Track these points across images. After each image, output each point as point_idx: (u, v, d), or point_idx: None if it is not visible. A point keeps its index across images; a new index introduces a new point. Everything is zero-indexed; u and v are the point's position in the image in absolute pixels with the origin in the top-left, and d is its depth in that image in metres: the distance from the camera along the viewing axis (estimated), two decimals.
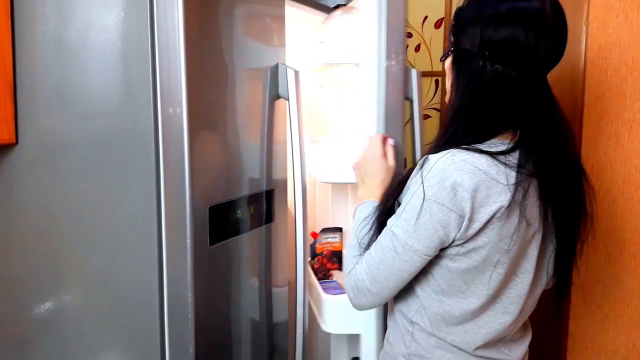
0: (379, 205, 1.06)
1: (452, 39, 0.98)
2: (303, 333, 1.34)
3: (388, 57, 1.33)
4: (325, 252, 1.72)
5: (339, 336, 1.84)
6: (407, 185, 0.97)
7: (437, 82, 2.35)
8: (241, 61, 1.21)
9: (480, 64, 0.91)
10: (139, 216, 1.07)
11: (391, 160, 1.20)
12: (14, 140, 1.20)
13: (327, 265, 1.78)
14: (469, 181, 0.86)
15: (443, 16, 2.31)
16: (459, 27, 0.97)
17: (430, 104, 2.36)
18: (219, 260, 1.16)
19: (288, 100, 1.30)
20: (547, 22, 0.89)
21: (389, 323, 1.11)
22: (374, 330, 1.40)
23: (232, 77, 1.17)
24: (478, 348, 1.00)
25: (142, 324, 1.10)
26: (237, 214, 1.20)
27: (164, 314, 1.08)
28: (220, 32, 1.13)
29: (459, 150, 0.90)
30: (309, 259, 1.80)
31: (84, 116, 1.12)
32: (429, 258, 0.93)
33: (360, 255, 1.01)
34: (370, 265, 0.96)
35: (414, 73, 1.41)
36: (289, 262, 1.41)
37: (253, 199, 1.25)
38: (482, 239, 0.90)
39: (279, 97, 1.32)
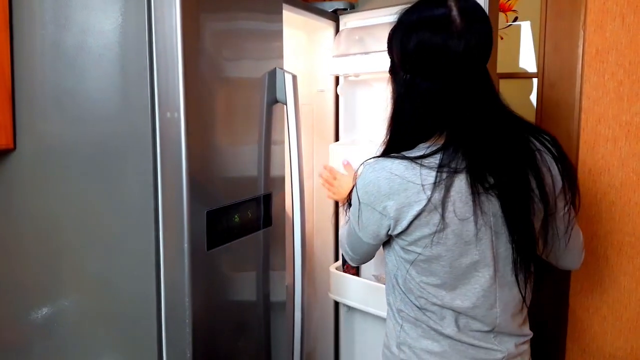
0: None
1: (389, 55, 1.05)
2: (301, 339, 1.34)
3: None
4: None
5: (349, 335, 1.85)
6: None
7: None
8: (239, 65, 1.21)
9: (402, 75, 0.99)
10: (136, 221, 1.07)
11: (350, 172, 1.52)
12: (12, 146, 1.20)
13: (349, 269, 1.84)
14: (386, 186, 0.96)
15: None
16: (389, 43, 1.03)
17: None
18: (217, 265, 1.16)
19: (286, 104, 1.30)
20: (453, 24, 0.93)
21: (386, 317, 1.17)
22: None
23: (229, 82, 1.17)
24: (465, 335, 1.03)
25: (139, 329, 1.10)
26: (235, 218, 1.20)
27: (162, 319, 1.08)
28: (218, 36, 1.13)
29: (383, 158, 0.99)
30: (340, 263, 1.88)
31: (82, 121, 1.12)
32: (373, 244, 1.08)
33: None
34: (347, 234, 1.15)
35: None
36: (287, 266, 1.41)
37: (251, 203, 1.25)
38: (415, 234, 0.98)
39: (276, 101, 1.32)
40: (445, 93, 0.96)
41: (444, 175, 0.94)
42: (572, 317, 1.61)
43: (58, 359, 1.23)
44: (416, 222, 0.96)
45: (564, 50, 1.65)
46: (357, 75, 1.80)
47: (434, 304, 1.02)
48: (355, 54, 1.69)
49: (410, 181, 0.94)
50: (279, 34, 1.35)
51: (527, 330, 1.11)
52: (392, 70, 1.04)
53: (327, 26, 1.80)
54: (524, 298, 1.04)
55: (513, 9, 1.95)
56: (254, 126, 1.26)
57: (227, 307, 1.22)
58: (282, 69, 1.32)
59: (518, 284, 1.02)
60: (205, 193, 1.10)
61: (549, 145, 1.04)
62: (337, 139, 1.89)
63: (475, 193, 0.95)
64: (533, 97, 1.91)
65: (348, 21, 1.79)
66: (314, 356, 2.02)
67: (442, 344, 1.04)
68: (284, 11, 1.37)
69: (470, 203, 0.95)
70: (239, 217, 1.20)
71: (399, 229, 0.98)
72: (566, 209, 1.06)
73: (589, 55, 1.53)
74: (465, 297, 1.01)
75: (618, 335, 1.54)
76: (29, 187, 1.21)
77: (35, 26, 1.16)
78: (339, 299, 1.85)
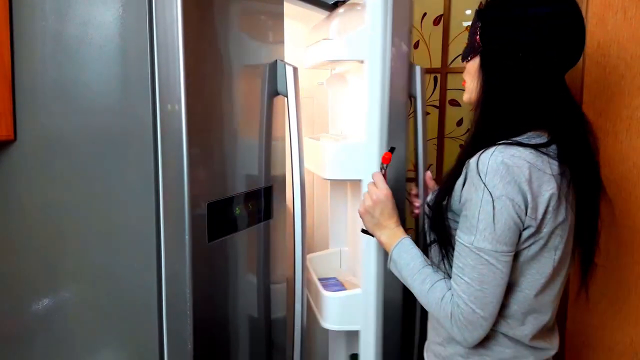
0: (431, 225, 1.06)
1: (479, 40, 1.01)
2: (301, 330, 1.35)
3: (393, 54, 1.33)
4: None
5: (338, 333, 1.85)
6: (462, 197, 0.98)
7: (435, 79, 2.34)
8: (240, 57, 1.20)
9: (514, 64, 0.97)
10: (137, 213, 1.07)
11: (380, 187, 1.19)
12: (12, 137, 1.20)
13: None
14: (522, 174, 0.91)
15: (442, 13, 2.30)
16: (487, 28, 1.00)
17: (429, 100, 2.36)
18: (218, 257, 1.16)
19: (287, 96, 1.30)
20: (574, 23, 0.96)
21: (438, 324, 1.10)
22: (373, 326, 1.41)
23: (230, 74, 1.17)
24: (534, 338, 1.03)
25: (140, 321, 1.10)
26: (236, 210, 1.20)
27: (163, 311, 1.08)
28: (219, 28, 1.13)
29: (504, 146, 0.94)
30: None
31: (83, 113, 1.12)
32: (509, 257, 0.94)
33: (433, 287, 1.00)
34: (471, 294, 0.94)
35: (417, 70, 1.42)
36: (287, 259, 1.42)
37: (252, 195, 1.25)
38: (544, 227, 0.94)
39: (277, 93, 1.32)
40: (555, 84, 0.99)
41: (565, 167, 0.95)
42: (571, 310, 1.61)
43: (59, 350, 1.23)
44: (547, 212, 0.93)
45: None
46: (333, 68, 1.80)
47: (522, 305, 1.00)
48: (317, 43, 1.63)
49: (541, 169, 0.93)
50: (280, 26, 1.35)
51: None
52: (489, 58, 1.01)
53: None
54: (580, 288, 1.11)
55: None
56: (255, 118, 1.26)
57: (227, 299, 1.22)
58: (283, 60, 1.31)
59: (568, 277, 1.07)
60: (206, 185, 1.10)
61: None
62: None
63: (576, 190, 0.99)
64: None
65: None
66: (315, 351, 2.03)
67: (513, 350, 1.02)
68: (284, 3, 1.36)
69: (572, 197, 0.99)
70: (239, 209, 1.20)
71: (531, 222, 0.93)
72: None
73: (590, 48, 1.52)
74: (555, 290, 1.03)
75: (617, 328, 1.54)
76: (29, 178, 1.21)
77: (36, 17, 1.16)
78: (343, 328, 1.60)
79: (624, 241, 1.51)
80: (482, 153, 0.94)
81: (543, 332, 1.05)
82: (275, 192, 1.34)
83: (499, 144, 0.94)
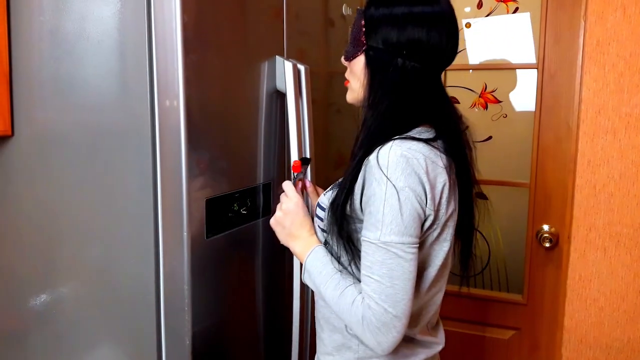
0: (335, 231, 1.01)
1: (363, 39, 1.01)
2: (300, 326, 1.34)
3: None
4: None
5: None
6: (363, 195, 0.96)
7: None
8: (239, 53, 1.20)
9: (400, 62, 0.98)
10: (135, 209, 1.07)
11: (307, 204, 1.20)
12: (9, 132, 1.20)
13: None
14: (420, 166, 0.92)
15: None
16: (372, 27, 1.00)
17: None
18: (216, 253, 1.16)
19: (285, 93, 1.29)
20: (453, 23, 1.00)
21: (330, 323, 1.09)
22: None
23: (229, 69, 1.17)
24: (421, 333, 1.05)
25: (138, 317, 1.10)
26: (234, 207, 1.20)
27: (161, 307, 1.08)
28: (218, 23, 1.12)
29: (400, 141, 0.95)
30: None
31: (80, 108, 1.12)
32: (416, 249, 0.93)
33: (343, 293, 0.97)
34: (382, 292, 0.90)
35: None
36: (286, 255, 1.41)
37: (250, 192, 1.25)
38: (438, 219, 0.97)
39: (277, 90, 1.31)
40: (437, 81, 1.04)
41: (450, 160, 0.99)
42: (569, 307, 1.61)
43: (57, 347, 1.23)
44: (441, 202, 0.95)
45: (564, 41, 1.65)
46: None
47: (416, 306, 1.01)
48: None
49: (434, 162, 0.95)
50: (279, 21, 1.34)
51: None
52: (374, 56, 1.00)
53: None
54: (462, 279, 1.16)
55: None
56: (254, 114, 1.25)
57: (226, 295, 1.22)
58: (282, 57, 1.31)
59: (464, 266, 1.14)
60: (205, 181, 1.10)
61: None
62: None
63: (459, 182, 1.04)
64: (520, 90, 1.90)
65: None
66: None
67: (401, 343, 0.97)
68: None
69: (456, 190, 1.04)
70: (238, 205, 1.20)
71: (428, 211, 0.93)
72: None
73: (589, 46, 1.52)
74: (441, 282, 1.06)
75: (615, 326, 1.55)
76: (27, 174, 1.21)
77: (33, 12, 1.15)
78: None
79: (622, 238, 1.52)
80: (380, 149, 0.94)
81: (429, 328, 1.08)
82: (274, 189, 1.34)
83: (395, 139, 0.95)
